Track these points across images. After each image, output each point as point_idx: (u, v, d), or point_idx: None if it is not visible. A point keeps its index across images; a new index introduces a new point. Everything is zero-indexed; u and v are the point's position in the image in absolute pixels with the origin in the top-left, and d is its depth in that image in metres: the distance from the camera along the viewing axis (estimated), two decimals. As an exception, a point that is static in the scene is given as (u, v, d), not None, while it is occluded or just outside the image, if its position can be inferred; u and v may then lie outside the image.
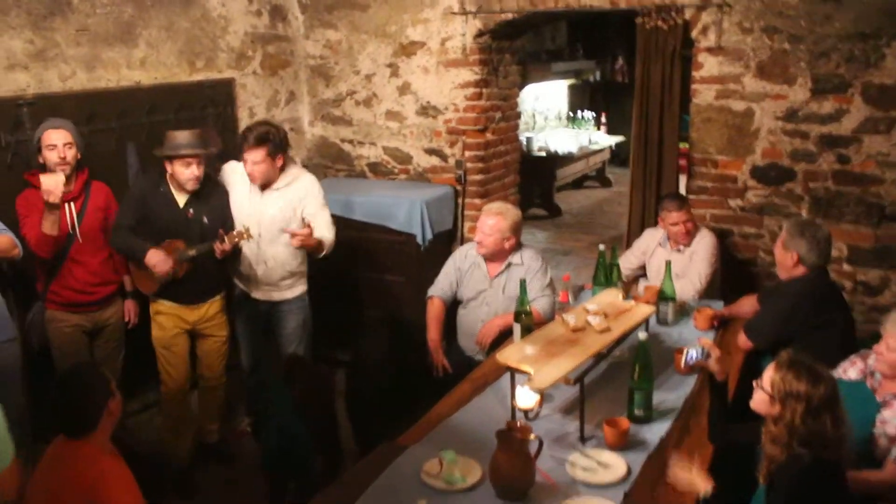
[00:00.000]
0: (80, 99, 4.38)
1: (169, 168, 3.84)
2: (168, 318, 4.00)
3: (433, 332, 4.18)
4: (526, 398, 2.78)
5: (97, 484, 2.36)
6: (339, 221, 5.05)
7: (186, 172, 3.79)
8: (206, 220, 3.93)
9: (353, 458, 3.82)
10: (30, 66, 4.17)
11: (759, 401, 2.44)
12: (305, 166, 5.92)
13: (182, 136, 3.81)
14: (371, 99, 5.67)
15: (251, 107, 5.51)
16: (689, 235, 4.38)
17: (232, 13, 5.25)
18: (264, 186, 4.03)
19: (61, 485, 2.39)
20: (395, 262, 5.13)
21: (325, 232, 4.09)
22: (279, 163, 3.99)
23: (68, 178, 3.74)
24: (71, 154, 3.76)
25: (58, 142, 3.72)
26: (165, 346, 4.03)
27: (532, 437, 2.54)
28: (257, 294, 4.20)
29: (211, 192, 4.00)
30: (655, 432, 2.94)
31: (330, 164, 6.00)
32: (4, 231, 3.60)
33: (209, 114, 5.14)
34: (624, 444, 2.81)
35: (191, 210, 3.91)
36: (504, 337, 3.87)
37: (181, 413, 4.17)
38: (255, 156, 3.87)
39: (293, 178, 4.08)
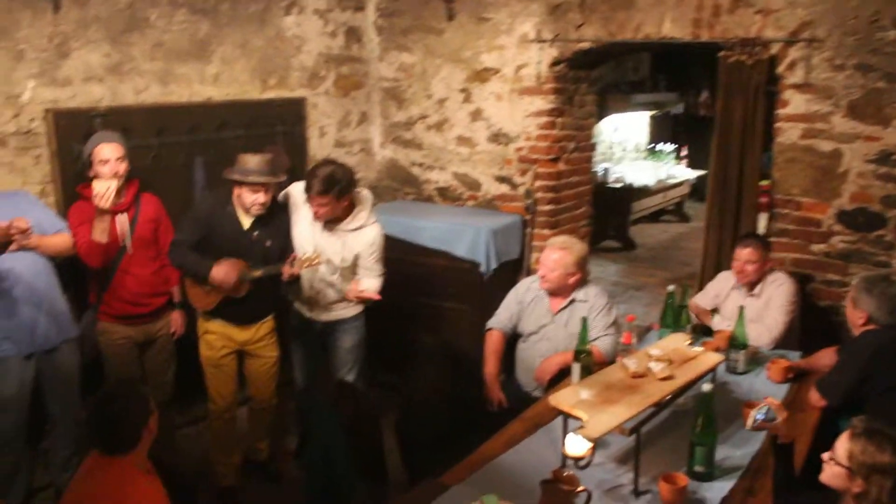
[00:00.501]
0: (151, 112, 4.45)
1: (236, 191, 3.82)
2: (217, 338, 3.98)
3: (490, 365, 4.05)
4: (577, 445, 2.63)
5: None
6: (402, 245, 5.04)
7: (252, 198, 3.78)
8: (269, 242, 3.92)
9: (399, 489, 3.74)
10: (105, 78, 4.26)
11: (834, 475, 2.23)
12: (374, 188, 5.92)
13: (253, 162, 3.77)
14: (443, 123, 5.61)
15: (321, 126, 5.52)
16: (753, 276, 4.16)
17: (307, 33, 5.27)
18: (332, 222, 3.98)
19: (91, 500, 2.35)
20: (457, 290, 5.03)
21: (373, 283, 4.06)
22: (345, 203, 3.92)
23: (119, 191, 3.78)
24: (123, 168, 3.80)
25: (111, 156, 3.76)
26: (214, 366, 4.02)
27: (580, 489, 2.39)
28: (313, 314, 4.16)
29: (275, 215, 3.97)
30: (717, 491, 2.74)
31: (398, 186, 5.96)
32: (63, 230, 3.71)
33: (279, 132, 5.16)
34: (682, 502, 2.62)
35: (255, 233, 3.89)
36: (563, 375, 3.72)
37: (228, 431, 4.13)
38: (321, 200, 3.81)
39: (360, 225, 4.01)
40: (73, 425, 3.83)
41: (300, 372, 4.36)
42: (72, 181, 4.11)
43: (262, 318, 4.05)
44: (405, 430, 3.85)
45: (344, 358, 4.19)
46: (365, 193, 4.10)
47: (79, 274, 3.91)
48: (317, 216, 3.89)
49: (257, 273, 3.82)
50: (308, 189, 3.80)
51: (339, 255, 3.98)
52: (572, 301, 3.94)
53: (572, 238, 4.13)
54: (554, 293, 3.96)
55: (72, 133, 4.11)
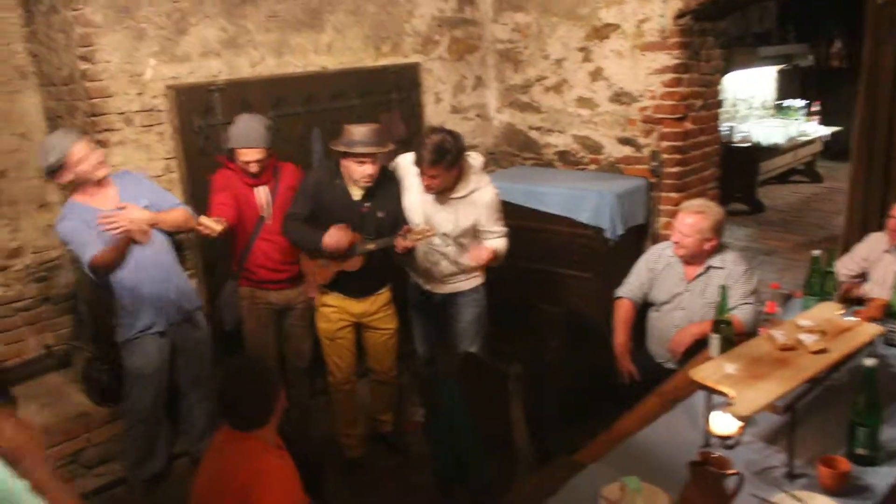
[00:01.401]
0: (267, 84, 4.44)
1: (344, 162, 3.74)
2: (333, 311, 3.95)
3: (621, 336, 3.87)
4: (724, 424, 2.43)
5: (252, 482, 2.28)
6: (523, 212, 4.88)
7: (359, 170, 3.69)
8: (380, 214, 3.83)
9: (527, 464, 3.63)
10: (222, 52, 4.26)
11: None
12: (492, 154, 5.77)
13: (358, 133, 3.68)
14: (561, 85, 5.38)
15: (437, 92, 5.40)
16: None
17: (419, -3, 5.15)
18: (443, 192, 3.83)
19: (220, 475, 2.34)
20: (581, 258, 4.83)
21: (498, 242, 3.90)
22: (455, 173, 3.77)
23: (260, 172, 3.85)
24: (260, 164, 3.84)
25: (251, 159, 3.80)
26: (331, 338, 3.99)
27: (732, 471, 2.20)
28: (431, 286, 4.07)
29: (387, 185, 3.87)
30: (883, 477, 2.47)
31: (517, 152, 5.78)
32: (179, 205, 3.76)
33: (394, 99, 5.07)
34: (843, 488, 2.38)
35: (366, 204, 3.81)
36: (699, 346, 3.49)
37: (350, 403, 4.12)
38: (432, 172, 3.66)
39: (473, 188, 3.84)
40: (206, 395, 3.93)
41: (421, 344, 4.30)
42: (194, 156, 4.16)
43: (377, 289, 3.98)
44: (531, 403, 3.72)
45: (465, 331, 4.08)
46: (474, 157, 3.93)
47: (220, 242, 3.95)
48: (428, 189, 3.75)
49: (370, 245, 3.75)
50: (418, 161, 3.66)
51: (452, 224, 3.85)
52: (708, 268, 3.69)
53: (708, 201, 3.86)
54: (688, 260, 3.72)
55: (192, 108, 4.15)
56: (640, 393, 3.21)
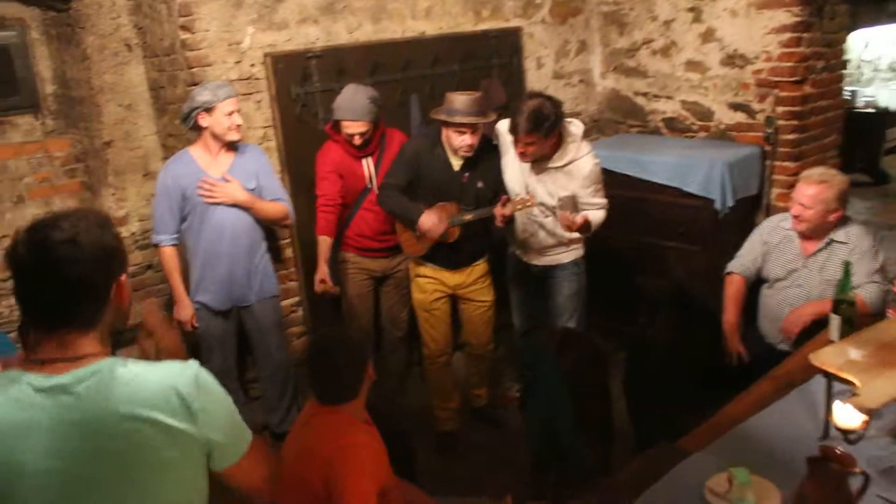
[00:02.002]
0: (365, 51, 4.37)
1: (444, 131, 3.64)
2: (429, 282, 3.88)
3: (730, 314, 3.64)
4: (848, 416, 2.22)
5: (336, 458, 2.22)
6: (627, 182, 4.67)
7: (459, 140, 3.58)
8: (480, 184, 3.72)
9: (624, 444, 3.48)
10: (319, 19, 4.21)
11: None
12: (596, 121, 5.55)
13: (459, 102, 3.56)
14: (669, 48, 5.10)
15: (539, 57, 5.21)
16: None
17: (521, -42, 4.95)
18: (540, 160, 3.66)
19: (306, 450, 2.29)
20: (688, 230, 4.58)
21: (596, 213, 3.68)
22: (552, 140, 3.58)
23: (367, 142, 3.81)
24: (365, 137, 3.79)
25: (354, 131, 3.76)
26: (426, 310, 3.93)
27: (857, 470, 2.00)
28: (528, 258, 3.93)
29: (487, 154, 3.76)
30: None
31: (622, 119, 5.53)
32: (280, 200, 3.76)
33: (494, 64, 4.92)
34: None
35: (466, 174, 3.71)
36: (817, 327, 3.23)
37: (445, 376, 4.05)
38: (528, 139, 3.48)
39: (570, 159, 3.64)
40: (277, 371, 3.96)
41: (518, 317, 4.18)
42: (291, 124, 4.14)
43: (474, 261, 3.89)
44: (632, 383, 3.56)
45: (563, 305, 3.92)
46: (575, 124, 3.73)
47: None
48: (523, 157, 3.58)
49: (468, 217, 3.64)
50: (513, 129, 3.49)
51: (550, 195, 3.68)
52: (830, 242, 3.41)
53: (831, 170, 3.55)
54: (808, 234, 3.44)
55: (289, 76, 4.12)
56: (750, 376, 3.00)
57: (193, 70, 3.92)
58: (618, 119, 5.53)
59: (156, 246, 3.78)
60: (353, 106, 3.74)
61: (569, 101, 5.44)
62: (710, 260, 4.35)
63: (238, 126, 3.61)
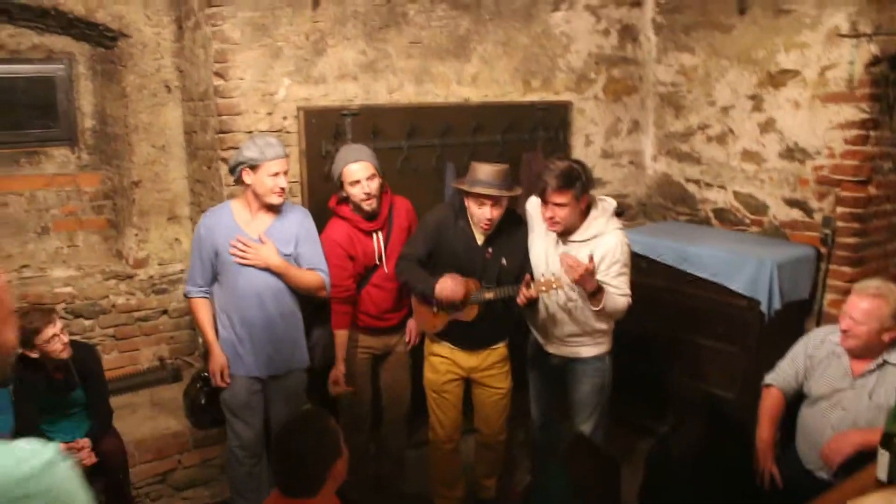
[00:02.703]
0: (404, 112, 4.23)
1: (466, 202, 3.45)
2: (442, 362, 3.63)
3: (764, 430, 3.30)
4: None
5: None
6: (667, 272, 4.40)
7: (479, 212, 3.40)
8: (504, 261, 3.49)
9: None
10: (359, 76, 4.10)
11: None
12: (643, 205, 5.31)
13: (483, 172, 3.37)
14: (726, 135, 4.84)
15: (588, 134, 5.01)
16: None
17: (576, 31, 4.80)
18: (564, 234, 3.42)
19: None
20: (728, 330, 4.24)
21: (615, 298, 3.35)
22: (583, 205, 3.35)
23: (377, 209, 3.61)
24: (374, 186, 3.56)
25: (361, 176, 3.53)
26: (436, 391, 3.67)
27: None
28: (550, 347, 3.64)
29: (513, 231, 3.54)
30: None
31: (671, 205, 5.27)
32: (318, 269, 3.51)
33: (539, 137, 4.73)
34: None
35: (490, 249, 3.49)
36: (862, 458, 2.88)
37: (451, 463, 3.77)
38: (559, 199, 3.25)
39: (597, 232, 3.39)
40: None
41: (536, 408, 3.88)
42: (318, 181, 3.99)
43: (492, 343, 3.63)
44: (648, 494, 3.23)
45: (581, 403, 3.61)
46: (606, 200, 3.49)
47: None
48: (553, 222, 3.31)
49: (489, 295, 3.41)
50: (541, 191, 3.27)
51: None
52: (883, 364, 3.06)
53: (890, 283, 3.20)
54: (858, 352, 3.10)
55: (321, 132, 4.00)
56: (781, 502, 2.66)
57: (223, 118, 3.82)
58: (666, 205, 5.27)
59: (186, 296, 3.61)
60: (353, 151, 3.60)
61: (616, 183, 5.22)
62: (750, 366, 4.02)
63: (282, 190, 3.36)
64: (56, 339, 3.41)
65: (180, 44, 4.32)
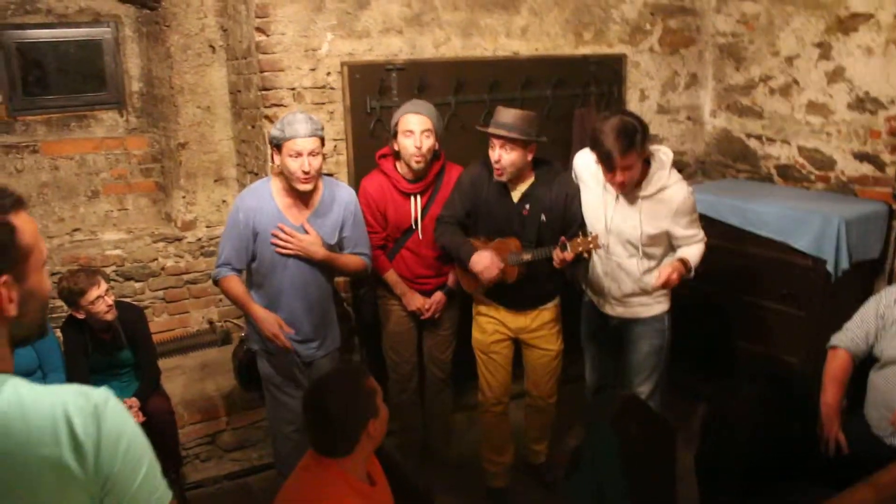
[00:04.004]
0: (450, 67, 4.09)
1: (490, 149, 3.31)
2: (489, 321, 3.52)
3: (830, 394, 3.12)
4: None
5: None
6: (727, 231, 4.20)
7: (490, 153, 3.26)
8: (544, 217, 3.33)
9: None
10: (404, 30, 3.97)
11: None
12: (702, 163, 5.10)
13: (504, 114, 3.24)
14: (790, 86, 4.58)
15: (643, 88, 4.80)
16: None
17: (632, -21, 4.58)
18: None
19: (291, 500, 1.99)
20: (793, 291, 4.04)
21: (693, 250, 3.27)
22: (640, 163, 3.14)
23: (423, 171, 3.47)
24: (428, 144, 3.41)
25: (415, 128, 3.39)
26: (484, 352, 3.57)
27: None
28: (605, 307, 3.50)
29: (552, 185, 3.35)
30: None
31: (730, 162, 5.04)
32: (362, 254, 3.37)
33: (591, 92, 4.54)
34: None
35: (526, 206, 3.34)
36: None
37: (499, 427, 3.67)
38: (625, 162, 3.03)
39: (661, 185, 3.20)
40: None
41: (591, 372, 3.76)
42: (364, 138, 3.90)
43: (541, 303, 3.49)
44: (704, 460, 3.08)
45: (640, 365, 3.48)
46: (662, 150, 3.28)
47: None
48: (622, 186, 3.15)
49: (527, 256, 3.26)
50: (604, 157, 3.05)
51: (636, 230, 3.26)
52: (961, 324, 2.86)
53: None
54: (934, 311, 2.91)
55: (366, 87, 3.89)
56: (849, 471, 2.49)
57: (265, 74, 3.74)
58: (726, 162, 5.04)
59: (215, 282, 3.30)
60: (416, 104, 3.47)
61: (674, 139, 5.01)
62: (815, 329, 3.81)
63: (306, 175, 3.06)
64: (101, 300, 3.41)
65: (223, 2, 4.25)
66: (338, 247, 3.31)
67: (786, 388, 3.23)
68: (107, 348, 3.60)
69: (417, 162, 3.43)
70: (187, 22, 4.28)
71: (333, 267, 3.31)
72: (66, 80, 4.51)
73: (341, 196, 3.31)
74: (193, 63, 4.34)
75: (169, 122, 4.43)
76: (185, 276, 4.52)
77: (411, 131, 3.38)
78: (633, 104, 4.77)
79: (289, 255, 3.19)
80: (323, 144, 3.14)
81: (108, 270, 4.32)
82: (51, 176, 4.44)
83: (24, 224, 1.30)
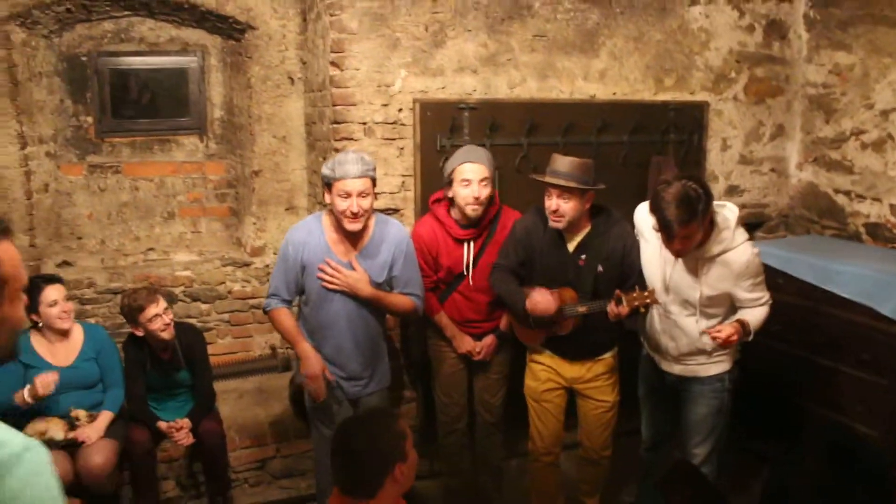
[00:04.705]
0: (524, 108, 4.05)
1: (546, 197, 3.23)
2: (543, 370, 3.43)
3: (905, 476, 2.89)
4: None
5: None
6: (806, 289, 3.99)
7: (546, 202, 3.19)
8: (601, 268, 3.23)
9: None
10: (479, 69, 3.96)
11: None
12: (785, 217, 4.90)
13: (561, 162, 3.17)
14: (884, 142, 4.35)
15: (725, 138, 4.65)
16: None
17: (716, 27, 4.45)
18: None
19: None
20: (874, 358, 3.77)
21: (757, 313, 3.11)
22: (706, 225, 2.99)
23: (479, 219, 3.43)
24: (486, 193, 3.38)
25: (474, 177, 3.36)
26: (536, 400, 3.47)
27: None
28: (664, 364, 3.35)
29: (610, 235, 3.25)
30: None
31: (815, 218, 4.81)
32: (412, 294, 3.31)
33: (670, 140, 4.42)
34: None
35: (582, 256, 3.25)
36: None
37: (549, 477, 3.56)
38: (685, 232, 2.89)
39: (725, 248, 3.06)
40: None
41: (647, 428, 3.60)
42: (433, 175, 3.88)
43: (598, 354, 3.39)
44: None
45: (697, 425, 3.31)
46: (728, 208, 3.12)
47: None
48: (679, 254, 3.04)
49: (582, 309, 3.17)
50: (664, 226, 2.92)
51: (695, 291, 3.12)
52: None
53: None
54: None
55: (437, 125, 3.89)
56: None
57: (337, 108, 3.79)
58: (811, 217, 4.81)
59: (265, 312, 3.33)
60: (472, 151, 3.44)
61: (756, 191, 4.82)
62: (896, 398, 3.57)
63: (355, 215, 3.05)
64: (158, 318, 3.48)
65: (304, 35, 4.35)
66: (388, 286, 3.28)
67: (854, 461, 3.02)
68: (165, 367, 3.66)
69: (474, 210, 3.40)
70: (268, 54, 4.39)
71: (381, 306, 3.27)
72: (153, 106, 4.67)
73: (392, 235, 3.28)
74: (272, 94, 4.44)
75: (245, 149, 4.53)
76: (251, 301, 4.59)
77: (469, 181, 3.36)
78: (714, 153, 4.63)
79: (336, 291, 3.18)
80: (374, 185, 3.13)
81: (177, 291, 4.42)
82: (131, 196, 4.60)
83: (5, 253, 1.31)
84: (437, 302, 3.59)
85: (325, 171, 3.09)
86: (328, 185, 3.09)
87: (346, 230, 3.13)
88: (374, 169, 3.14)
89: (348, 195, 3.04)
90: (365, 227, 3.18)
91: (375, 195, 3.20)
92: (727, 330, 2.99)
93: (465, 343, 3.58)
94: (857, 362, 3.82)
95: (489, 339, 3.62)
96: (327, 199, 3.14)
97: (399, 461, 2.02)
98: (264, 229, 4.57)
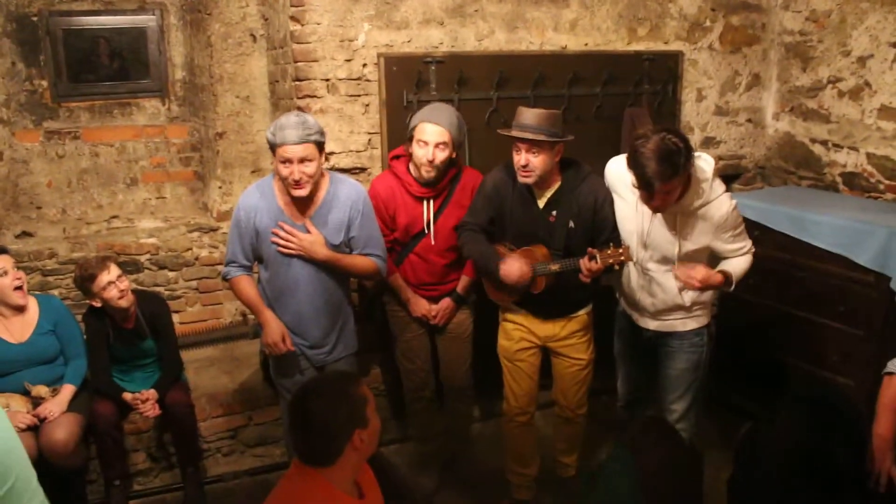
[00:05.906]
0: (492, 61, 3.93)
1: (513, 152, 3.10)
2: (516, 329, 3.35)
3: (883, 426, 2.83)
4: None
5: None
6: (783, 242, 3.96)
7: (515, 158, 3.06)
8: (572, 224, 3.13)
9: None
10: (446, 21, 3.83)
11: None
12: (762, 168, 4.83)
13: (527, 115, 3.03)
14: (861, 89, 4.27)
15: (700, 88, 4.55)
16: None
17: (691, -27, 4.33)
18: None
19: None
20: (850, 309, 3.75)
21: (739, 262, 3.05)
22: (684, 179, 2.87)
23: (434, 180, 3.33)
24: (441, 157, 3.26)
25: (430, 139, 3.24)
26: (510, 360, 3.40)
27: None
28: (639, 320, 3.28)
29: (581, 190, 3.13)
30: None
31: (792, 168, 4.74)
32: (372, 255, 3.21)
33: (644, 91, 4.32)
34: None
35: (553, 212, 3.14)
36: None
37: (524, 438, 3.50)
38: (665, 188, 2.78)
39: (704, 201, 2.96)
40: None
41: (623, 385, 3.54)
42: (400, 132, 3.76)
43: (571, 312, 3.31)
44: (738, 489, 2.85)
45: (674, 381, 3.26)
46: (703, 159, 2.99)
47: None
48: (659, 209, 2.94)
49: (554, 267, 3.08)
50: (643, 181, 2.79)
51: (674, 246, 3.04)
52: None
53: None
54: None
55: (403, 80, 3.77)
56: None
57: (299, 64, 3.65)
58: (788, 168, 4.74)
59: (224, 279, 3.25)
60: (438, 111, 3.30)
61: (732, 143, 4.74)
62: (873, 351, 3.54)
63: (297, 182, 2.93)
64: (112, 286, 3.37)
65: (265, -10, 4.19)
66: (346, 247, 3.17)
67: (832, 414, 2.98)
68: (129, 338, 3.56)
69: (427, 172, 3.30)
70: (228, 10, 4.23)
71: (339, 268, 3.16)
72: (111, 68, 4.51)
73: (347, 194, 3.15)
74: (234, 52, 4.29)
75: (208, 111, 4.39)
76: (219, 267, 4.46)
77: (426, 142, 3.25)
78: (689, 104, 4.53)
79: (292, 256, 3.08)
80: (321, 149, 2.99)
81: (143, 259, 4.30)
82: (91, 163, 4.46)
83: None
84: (393, 263, 3.49)
85: (268, 135, 2.97)
86: (272, 149, 2.97)
87: (293, 193, 3.00)
88: (321, 132, 2.98)
89: (289, 161, 2.91)
90: (317, 189, 3.07)
91: (327, 157, 3.09)
92: (701, 271, 2.92)
93: (421, 306, 3.51)
94: (836, 313, 3.79)
95: (445, 302, 3.55)
96: (272, 164, 3.02)
97: (359, 427, 1.94)
98: (230, 193, 4.44)
